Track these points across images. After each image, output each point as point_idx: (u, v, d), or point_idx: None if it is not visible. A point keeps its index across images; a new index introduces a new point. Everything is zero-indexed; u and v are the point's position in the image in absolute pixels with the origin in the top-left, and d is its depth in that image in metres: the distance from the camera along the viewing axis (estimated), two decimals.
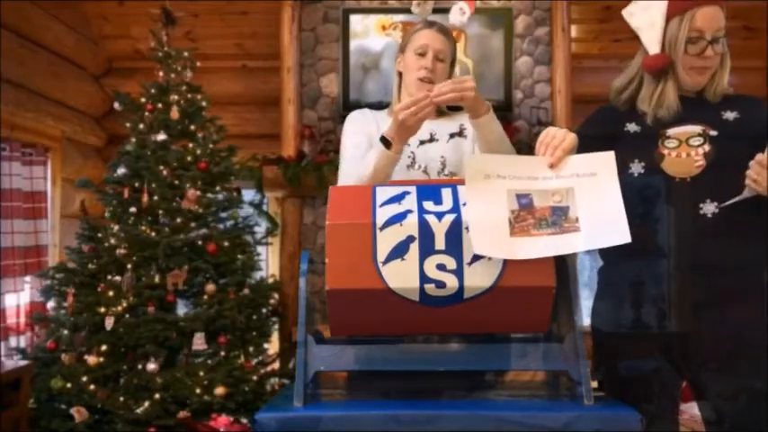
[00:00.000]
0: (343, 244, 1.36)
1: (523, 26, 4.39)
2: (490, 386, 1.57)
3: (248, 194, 4.24)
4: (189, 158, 3.64)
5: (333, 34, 4.37)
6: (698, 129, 1.64)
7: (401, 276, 1.34)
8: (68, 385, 3.22)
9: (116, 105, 3.80)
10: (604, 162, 1.43)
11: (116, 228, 3.53)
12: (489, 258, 1.34)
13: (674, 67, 1.67)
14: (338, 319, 1.42)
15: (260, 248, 4.05)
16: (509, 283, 1.34)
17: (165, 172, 3.56)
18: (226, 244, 3.63)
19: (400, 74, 1.91)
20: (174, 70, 3.80)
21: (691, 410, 2.74)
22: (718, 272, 1.58)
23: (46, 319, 3.52)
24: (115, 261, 3.44)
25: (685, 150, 1.62)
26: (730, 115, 1.65)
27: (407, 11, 2.25)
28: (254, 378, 3.45)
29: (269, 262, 4.72)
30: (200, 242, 3.55)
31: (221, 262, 3.59)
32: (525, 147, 4.07)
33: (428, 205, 1.40)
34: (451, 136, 1.86)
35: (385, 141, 1.65)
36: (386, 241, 1.35)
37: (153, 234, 3.47)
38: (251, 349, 3.63)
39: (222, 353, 3.43)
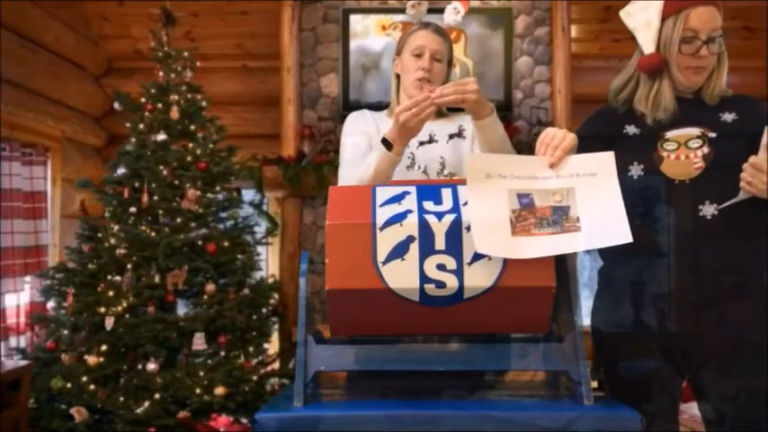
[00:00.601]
0: (343, 244, 1.36)
1: (523, 26, 4.39)
2: (490, 386, 1.57)
3: (248, 194, 4.24)
4: (189, 158, 3.64)
5: (333, 34, 4.37)
6: (696, 131, 1.64)
7: (401, 276, 1.34)
8: (68, 385, 3.22)
9: (116, 105, 3.80)
10: (604, 162, 1.44)
11: (116, 228, 3.53)
12: (489, 258, 1.34)
13: (669, 67, 1.67)
14: (338, 319, 1.42)
15: (260, 248, 4.05)
16: (509, 283, 1.34)
17: (165, 172, 3.56)
18: (226, 244, 3.63)
19: (398, 76, 1.91)
20: (174, 70, 3.80)
21: (691, 410, 2.74)
22: (718, 272, 1.58)
23: (46, 319, 3.52)
24: (115, 261, 3.44)
25: (684, 153, 1.62)
26: (729, 117, 1.65)
27: (406, 12, 2.25)
28: (254, 378, 3.45)
29: (269, 262, 4.72)
30: (200, 242, 3.55)
31: (221, 262, 3.59)
32: (525, 147, 4.08)
33: (428, 205, 1.40)
34: (451, 137, 1.87)
35: (386, 143, 1.65)
36: (386, 241, 1.35)
37: (153, 234, 3.47)
38: (251, 349, 3.63)
39: (222, 353, 3.43)
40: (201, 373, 3.29)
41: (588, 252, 1.42)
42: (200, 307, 3.46)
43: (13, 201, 3.87)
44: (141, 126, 3.69)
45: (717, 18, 1.65)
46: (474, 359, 1.43)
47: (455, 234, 1.35)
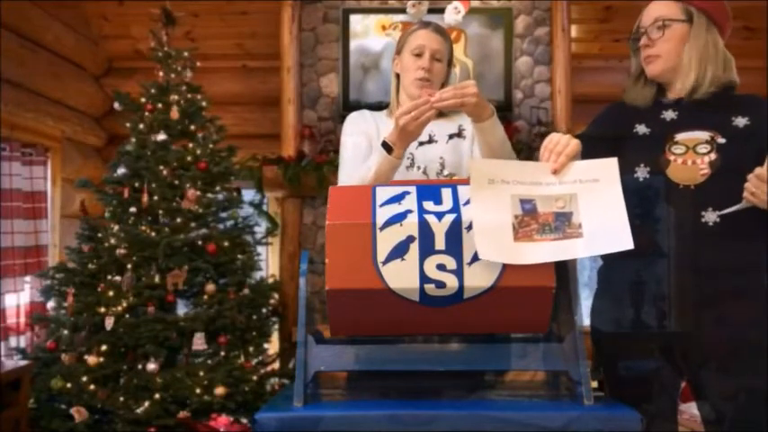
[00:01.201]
0: (343, 244, 1.36)
1: (523, 26, 4.39)
2: (490, 386, 1.57)
3: (248, 194, 4.24)
4: (189, 158, 3.64)
5: (333, 34, 4.37)
6: (706, 135, 1.62)
7: (401, 276, 1.34)
8: (68, 385, 3.22)
9: (116, 105, 3.81)
10: (607, 168, 1.44)
11: (116, 228, 3.53)
12: None
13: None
14: (338, 319, 1.42)
15: (260, 248, 4.05)
16: (509, 283, 1.34)
17: (165, 172, 3.57)
18: (226, 244, 3.63)
19: (398, 75, 1.91)
20: (174, 70, 3.80)
21: (690, 410, 2.74)
22: (718, 272, 1.58)
23: (46, 319, 3.52)
24: (115, 261, 3.44)
25: (691, 158, 1.62)
26: (741, 121, 1.64)
27: (406, 11, 2.25)
28: (254, 378, 3.45)
29: (269, 262, 4.72)
30: (200, 242, 3.55)
31: (221, 262, 3.59)
32: (525, 147, 4.08)
33: (428, 205, 1.40)
34: (450, 137, 1.87)
35: (386, 146, 1.65)
36: (386, 241, 1.35)
37: (153, 234, 3.47)
38: (251, 349, 3.63)
39: (222, 353, 3.43)
40: (201, 373, 3.29)
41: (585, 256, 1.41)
42: (200, 307, 3.47)
43: (13, 201, 3.87)
44: (141, 126, 3.69)
45: (662, 7, 1.70)
46: (474, 359, 1.43)
47: (455, 234, 1.35)
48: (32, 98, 4.11)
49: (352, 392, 1.59)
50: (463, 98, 1.59)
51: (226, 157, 3.82)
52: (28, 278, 4.01)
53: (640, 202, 1.61)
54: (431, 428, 1.31)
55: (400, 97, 1.91)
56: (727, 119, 1.65)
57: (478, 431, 1.31)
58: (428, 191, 1.44)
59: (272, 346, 4.02)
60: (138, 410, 3.17)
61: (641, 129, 1.71)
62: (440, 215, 1.37)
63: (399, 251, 1.35)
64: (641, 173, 1.65)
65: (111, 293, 3.38)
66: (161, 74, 3.80)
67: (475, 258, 1.35)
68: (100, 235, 3.55)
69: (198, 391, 3.23)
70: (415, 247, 1.35)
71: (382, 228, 1.36)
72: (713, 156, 1.60)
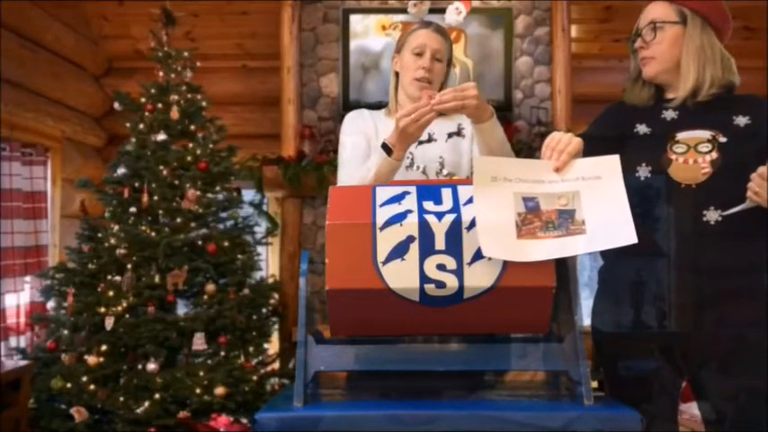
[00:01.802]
0: (343, 244, 1.36)
1: (523, 26, 4.39)
2: (490, 386, 1.57)
3: (248, 194, 4.24)
4: (189, 158, 3.64)
5: (333, 34, 4.37)
6: (707, 134, 1.63)
7: (401, 276, 1.34)
8: (68, 385, 3.22)
9: (116, 105, 3.81)
10: (609, 165, 1.44)
11: (116, 228, 3.53)
12: (489, 258, 1.34)
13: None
14: (338, 319, 1.42)
15: (260, 248, 4.05)
16: (509, 283, 1.34)
17: (165, 172, 3.57)
18: (226, 244, 3.63)
19: (397, 74, 1.91)
20: (174, 70, 3.80)
21: (691, 410, 2.74)
22: (718, 273, 1.58)
23: (46, 319, 3.52)
24: (115, 261, 3.44)
25: (693, 157, 1.62)
26: (742, 120, 1.64)
27: (407, 11, 2.25)
28: (254, 378, 3.45)
29: (269, 262, 4.72)
30: (200, 242, 3.55)
31: (221, 262, 3.59)
32: (525, 147, 4.08)
33: (428, 205, 1.39)
34: (450, 136, 1.87)
35: (386, 148, 1.65)
36: (386, 241, 1.35)
37: (153, 234, 3.47)
38: (251, 349, 3.63)
39: (222, 353, 3.43)
40: (201, 373, 3.29)
41: (589, 252, 1.41)
42: (200, 307, 3.47)
43: (13, 201, 3.87)
44: (141, 126, 3.69)
45: (657, 9, 1.70)
46: (474, 359, 1.43)
47: (455, 234, 1.35)
48: (32, 98, 4.11)
49: (352, 392, 1.59)
50: (464, 101, 1.59)
51: (226, 157, 3.82)
52: (28, 278, 4.01)
53: (642, 201, 1.61)
54: (431, 428, 1.31)
55: (399, 96, 1.90)
56: (728, 118, 1.65)
57: (478, 431, 1.31)
58: (428, 191, 1.44)
59: (272, 346, 4.02)
60: (138, 410, 3.17)
61: (642, 128, 1.71)
62: (440, 215, 1.37)
63: (399, 251, 1.35)
64: (643, 172, 1.65)
65: (111, 293, 3.38)
66: (161, 74, 3.80)
67: (475, 258, 1.34)
68: (100, 235, 3.55)
69: (198, 391, 3.23)
70: (415, 247, 1.35)
71: (382, 228, 1.36)
72: (714, 155, 1.60)
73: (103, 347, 3.31)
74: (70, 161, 4.55)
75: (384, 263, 1.34)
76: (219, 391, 3.24)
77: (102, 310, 3.34)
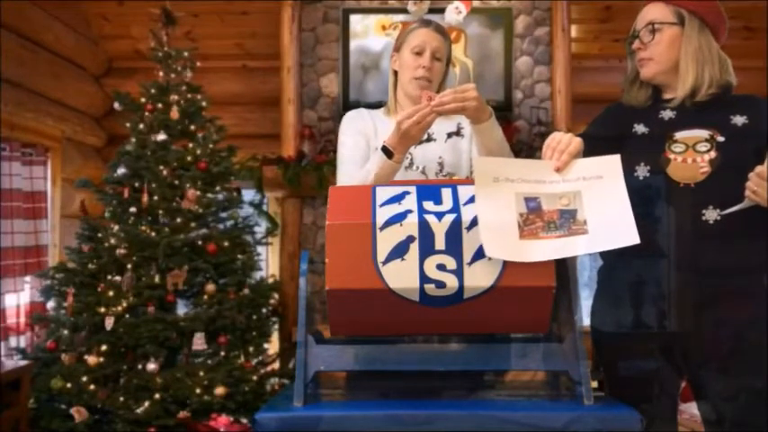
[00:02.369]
0: (343, 244, 1.36)
1: (523, 26, 4.39)
2: (490, 386, 1.57)
3: (248, 194, 4.24)
4: (189, 158, 3.64)
5: (333, 34, 4.37)
6: (705, 134, 1.63)
7: (401, 276, 1.34)
8: (68, 385, 3.22)
9: (116, 105, 3.80)
10: (610, 165, 1.44)
11: (116, 228, 3.53)
12: (489, 258, 1.34)
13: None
14: (338, 319, 1.42)
15: (260, 248, 4.05)
16: (509, 283, 1.34)
17: (165, 172, 3.57)
18: (226, 244, 3.63)
19: (396, 73, 1.90)
20: (174, 70, 3.80)
21: (691, 410, 2.74)
22: (718, 273, 1.58)
23: (46, 319, 3.52)
24: (115, 261, 3.44)
25: (691, 156, 1.62)
26: (739, 120, 1.64)
27: (407, 11, 2.25)
28: (254, 378, 3.45)
29: (269, 262, 4.72)
30: (200, 242, 3.55)
31: (221, 262, 3.59)
32: (525, 147, 4.08)
33: (428, 205, 1.39)
34: (449, 136, 1.86)
35: (386, 151, 1.65)
36: (386, 241, 1.35)
37: (153, 234, 3.47)
38: (251, 349, 3.63)
39: (222, 353, 3.44)
40: (201, 373, 3.29)
41: (591, 252, 1.42)
42: (200, 307, 3.47)
43: (13, 201, 3.87)
44: (141, 126, 3.69)
45: (654, 11, 1.71)
46: (474, 359, 1.43)
47: (455, 234, 1.35)
48: (32, 98, 4.11)
49: (352, 392, 1.59)
50: (464, 102, 1.59)
51: (226, 157, 3.82)
52: (28, 278, 4.01)
53: (641, 201, 1.61)
54: (431, 428, 1.31)
55: (398, 95, 1.90)
56: (726, 118, 1.65)
57: (478, 431, 1.31)
58: (428, 191, 1.44)
59: (272, 346, 4.02)
60: (138, 410, 3.17)
61: (640, 128, 1.71)
62: (440, 215, 1.37)
63: (399, 251, 1.35)
64: (641, 172, 1.65)
65: (111, 293, 3.38)
66: (161, 74, 3.80)
67: (475, 258, 1.34)
68: (100, 235, 3.55)
69: (198, 391, 3.23)
70: (415, 247, 1.35)
71: (382, 228, 1.36)
72: (713, 154, 1.61)
73: (103, 347, 3.31)
74: (70, 161, 4.55)
75: (384, 263, 1.34)
76: (219, 391, 3.24)
77: (102, 310, 3.33)
